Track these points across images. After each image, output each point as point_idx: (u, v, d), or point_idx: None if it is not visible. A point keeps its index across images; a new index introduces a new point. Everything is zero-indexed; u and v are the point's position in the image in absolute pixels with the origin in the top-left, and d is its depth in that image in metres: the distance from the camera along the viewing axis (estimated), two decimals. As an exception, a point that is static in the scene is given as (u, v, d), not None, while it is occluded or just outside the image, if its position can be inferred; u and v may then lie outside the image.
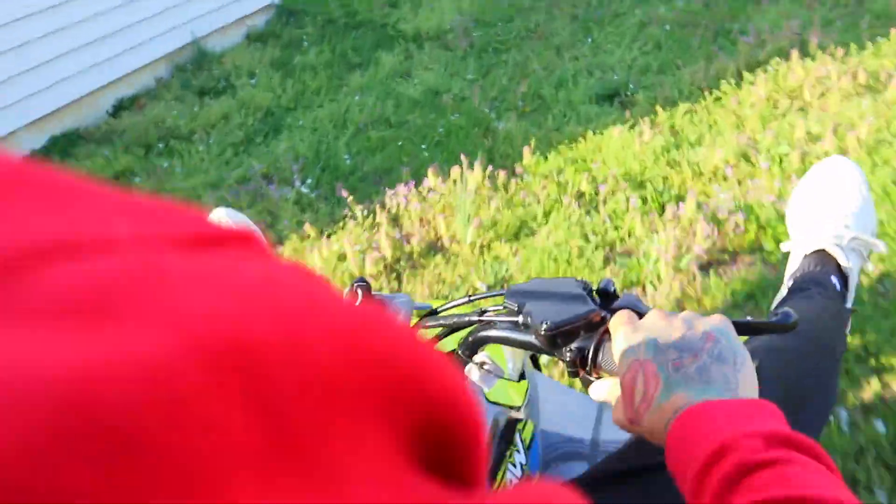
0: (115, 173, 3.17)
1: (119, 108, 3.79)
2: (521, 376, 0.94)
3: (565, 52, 3.60)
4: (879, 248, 1.22)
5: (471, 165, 2.51)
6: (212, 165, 3.11)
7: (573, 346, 0.62)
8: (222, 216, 1.27)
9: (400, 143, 3.04)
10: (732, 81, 2.96)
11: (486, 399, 0.82)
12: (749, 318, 0.62)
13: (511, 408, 0.86)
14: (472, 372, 0.77)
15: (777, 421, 0.49)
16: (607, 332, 0.61)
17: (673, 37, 3.53)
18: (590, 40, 3.69)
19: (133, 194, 0.20)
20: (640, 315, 0.60)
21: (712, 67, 3.09)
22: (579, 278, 0.67)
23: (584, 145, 2.75)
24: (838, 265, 1.17)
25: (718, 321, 0.57)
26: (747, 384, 0.53)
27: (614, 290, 0.66)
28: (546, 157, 2.69)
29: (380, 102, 3.39)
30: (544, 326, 0.61)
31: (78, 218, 0.18)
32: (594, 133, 2.80)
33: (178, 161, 3.20)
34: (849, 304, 1.16)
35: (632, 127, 2.81)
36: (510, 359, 0.85)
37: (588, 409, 1.11)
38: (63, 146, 3.48)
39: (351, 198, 2.54)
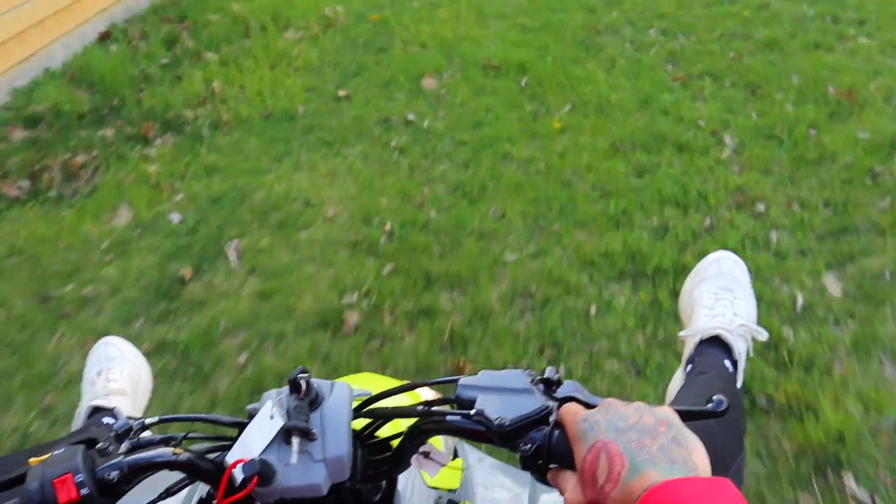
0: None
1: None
2: (455, 453, 0.94)
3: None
4: (762, 335, 1.32)
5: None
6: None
7: (528, 438, 0.63)
8: None
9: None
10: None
11: (426, 484, 0.83)
12: (686, 407, 0.65)
13: (449, 490, 0.87)
14: (419, 461, 0.79)
15: (739, 497, 0.52)
16: (557, 422, 0.63)
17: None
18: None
19: None
20: (585, 403, 0.64)
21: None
22: (525, 369, 0.69)
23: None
24: (729, 350, 1.27)
25: (667, 410, 0.60)
26: (705, 464, 0.56)
27: (558, 378, 0.68)
28: None
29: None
30: (501, 423, 0.64)
31: None
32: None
33: None
34: (739, 385, 1.25)
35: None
36: (443, 440, 0.86)
37: (521, 479, 1.12)
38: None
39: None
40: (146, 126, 3.81)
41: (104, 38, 5.04)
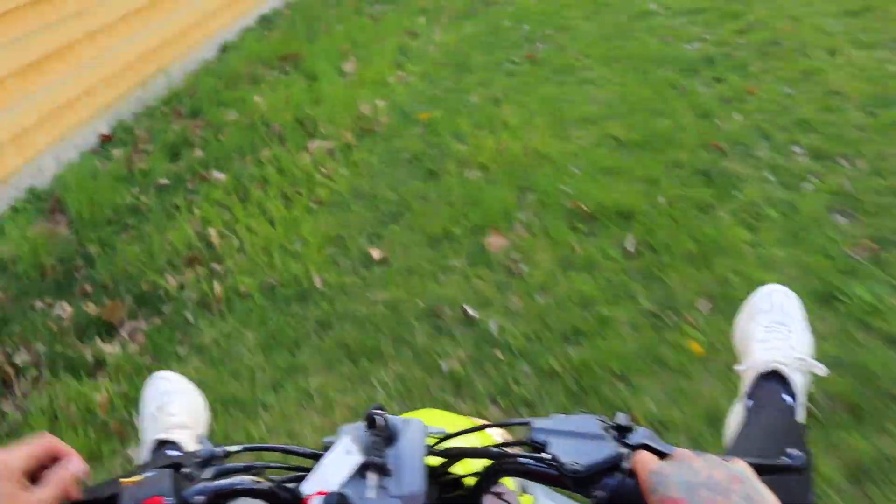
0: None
1: None
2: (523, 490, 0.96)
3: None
4: (821, 370, 1.25)
5: None
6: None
7: (602, 485, 0.63)
8: None
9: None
10: None
11: None
12: (762, 460, 0.60)
13: None
14: (491, 502, 0.77)
15: None
16: (631, 470, 0.62)
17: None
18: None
19: None
20: (658, 451, 0.63)
21: None
22: (599, 415, 0.67)
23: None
24: (787, 384, 1.21)
25: (741, 465, 0.58)
26: None
27: (630, 425, 0.66)
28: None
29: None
30: (575, 468, 0.63)
31: None
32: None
33: None
34: (799, 419, 1.19)
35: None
36: (513, 480, 0.87)
37: None
38: None
39: None
40: (113, 306, 2.83)
41: (105, 141, 4.27)
